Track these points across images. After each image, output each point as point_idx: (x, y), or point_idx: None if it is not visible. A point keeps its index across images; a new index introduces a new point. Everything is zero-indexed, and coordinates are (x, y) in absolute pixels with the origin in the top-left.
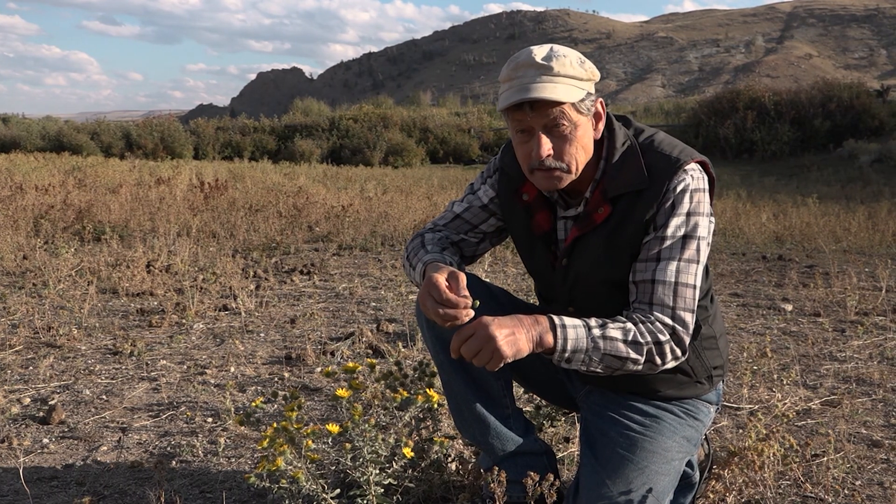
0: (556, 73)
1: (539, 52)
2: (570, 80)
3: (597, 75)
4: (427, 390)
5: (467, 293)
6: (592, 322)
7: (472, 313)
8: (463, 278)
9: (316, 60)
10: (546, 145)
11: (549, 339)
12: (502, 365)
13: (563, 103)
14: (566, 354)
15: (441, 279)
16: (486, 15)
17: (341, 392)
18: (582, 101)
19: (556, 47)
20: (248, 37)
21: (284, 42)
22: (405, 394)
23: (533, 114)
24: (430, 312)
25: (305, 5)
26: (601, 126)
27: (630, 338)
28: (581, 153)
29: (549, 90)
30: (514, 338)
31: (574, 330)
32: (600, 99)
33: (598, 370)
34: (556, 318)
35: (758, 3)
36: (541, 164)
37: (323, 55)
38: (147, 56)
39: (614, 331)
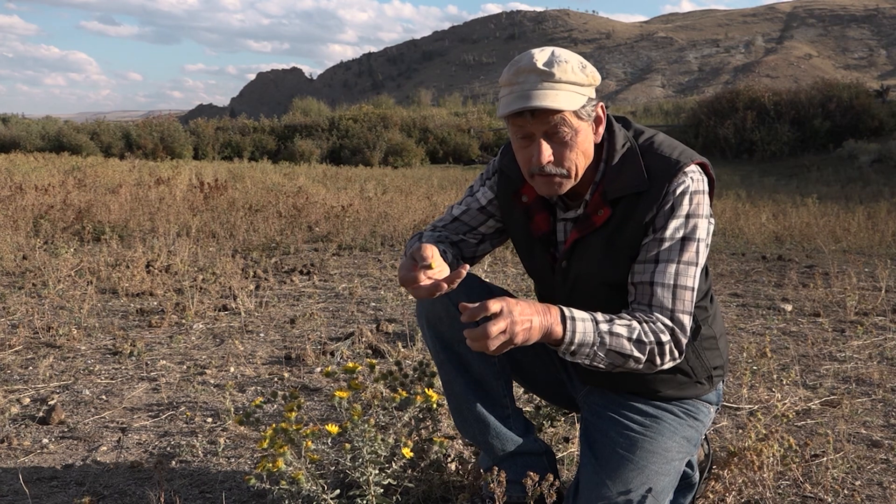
0: (557, 79)
1: (540, 57)
2: (572, 87)
3: (598, 79)
4: (426, 390)
5: (431, 260)
6: (600, 317)
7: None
8: (430, 251)
9: (315, 61)
10: (546, 152)
11: (559, 330)
12: (508, 349)
13: (564, 111)
14: (572, 347)
15: (409, 261)
16: (485, 15)
17: (340, 392)
18: (583, 107)
19: (558, 51)
20: (246, 37)
21: (283, 42)
22: (404, 394)
23: (534, 121)
24: (414, 292)
25: (304, 5)
26: (601, 130)
27: (635, 336)
28: (581, 158)
29: (551, 98)
30: (529, 325)
31: (583, 324)
32: (601, 103)
33: (601, 365)
34: (566, 311)
35: (757, 3)
36: (541, 170)
37: (322, 55)
38: (146, 56)
39: (620, 328)
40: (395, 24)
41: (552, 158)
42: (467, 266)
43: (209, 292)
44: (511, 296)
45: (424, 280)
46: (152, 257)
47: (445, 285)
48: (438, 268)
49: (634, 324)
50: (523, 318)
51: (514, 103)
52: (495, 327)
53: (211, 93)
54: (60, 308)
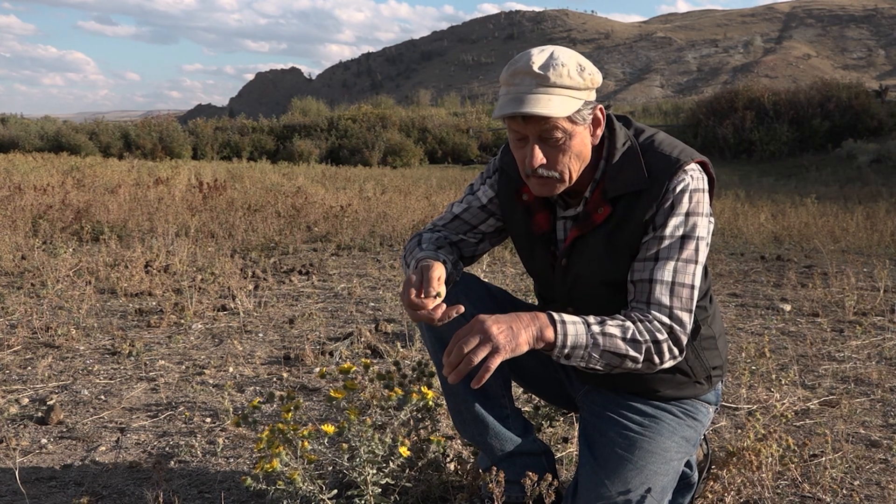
0: (552, 83)
1: (538, 58)
2: (567, 91)
3: (597, 81)
4: (422, 388)
5: (438, 290)
6: (591, 319)
7: (439, 302)
8: (435, 270)
9: (313, 60)
10: (538, 155)
11: (550, 333)
12: (500, 361)
13: (556, 118)
14: (566, 350)
15: (414, 278)
16: (484, 15)
17: (335, 393)
18: (578, 111)
19: (557, 53)
20: (244, 37)
21: (281, 42)
22: (399, 392)
23: (526, 124)
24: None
25: (300, 5)
26: (599, 132)
27: (629, 335)
28: (575, 162)
29: (543, 104)
30: (511, 332)
31: (573, 326)
32: (600, 105)
33: (598, 367)
34: (554, 314)
35: (756, 3)
36: (534, 172)
37: (319, 55)
38: (144, 56)
39: (613, 328)
40: (392, 24)
41: (544, 161)
42: (461, 308)
43: (208, 292)
44: (510, 295)
45: (429, 309)
46: (151, 257)
47: (441, 317)
48: (443, 295)
49: (628, 323)
50: (498, 324)
51: (507, 106)
52: (467, 344)
53: (209, 93)
54: (59, 308)
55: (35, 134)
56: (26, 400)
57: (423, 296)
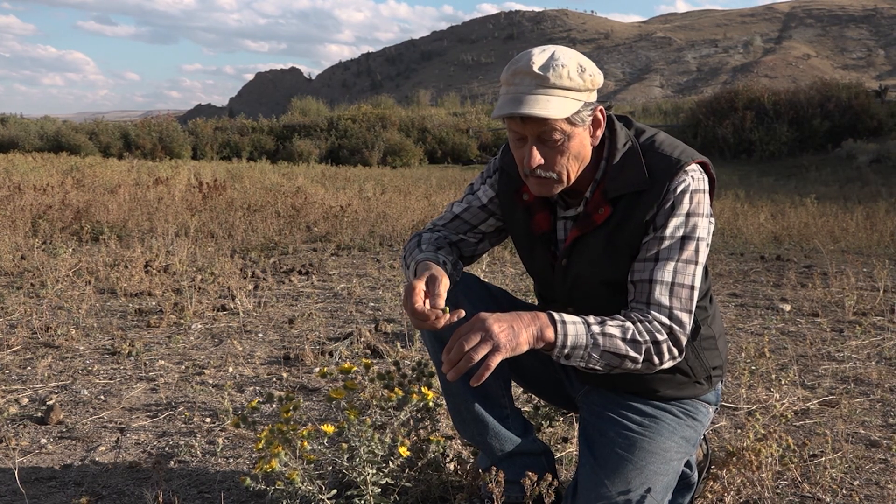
0: (551, 84)
1: (538, 59)
2: (566, 93)
3: (598, 82)
4: (422, 389)
5: (441, 300)
6: (591, 319)
7: (446, 316)
8: (443, 284)
9: (312, 60)
10: (536, 156)
11: (550, 333)
12: (500, 359)
13: (554, 119)
14: (566, 350)
15: (419, 286)
16: (483, 15)
17: (335, 393)
18: (577, 112)
19: (558, 53)
20: (243, 37)
21: (280, 42)
22: (399, 392)
23: (525, 125)
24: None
25: (300, 5)
26: (599, 133)
27: (629, 336)
28: (574, 163)
29: (542, 105)
30: (511, 331)
31: (573, 326)
32: (600, 106)
33: (597, 367)
34: (555, 314)
35: (756, 3)
36: (532, 172)
37: (319, 55)
38: (143, 56)
39: (613, 328)
40: (392, 24)
41: (542, 162)
42: (462, 313)
43: (208, 292)
44: (510, 295)
45: (433, 319)
46: (151, 257)
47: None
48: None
49: (628, 324)
50: (499, 323)
51: (506, 107)
52: (468, 342)
53: (209, 93)
54: (59, 308)
55: (35, 134)
56: (26, 400)
57: (429, 306)
